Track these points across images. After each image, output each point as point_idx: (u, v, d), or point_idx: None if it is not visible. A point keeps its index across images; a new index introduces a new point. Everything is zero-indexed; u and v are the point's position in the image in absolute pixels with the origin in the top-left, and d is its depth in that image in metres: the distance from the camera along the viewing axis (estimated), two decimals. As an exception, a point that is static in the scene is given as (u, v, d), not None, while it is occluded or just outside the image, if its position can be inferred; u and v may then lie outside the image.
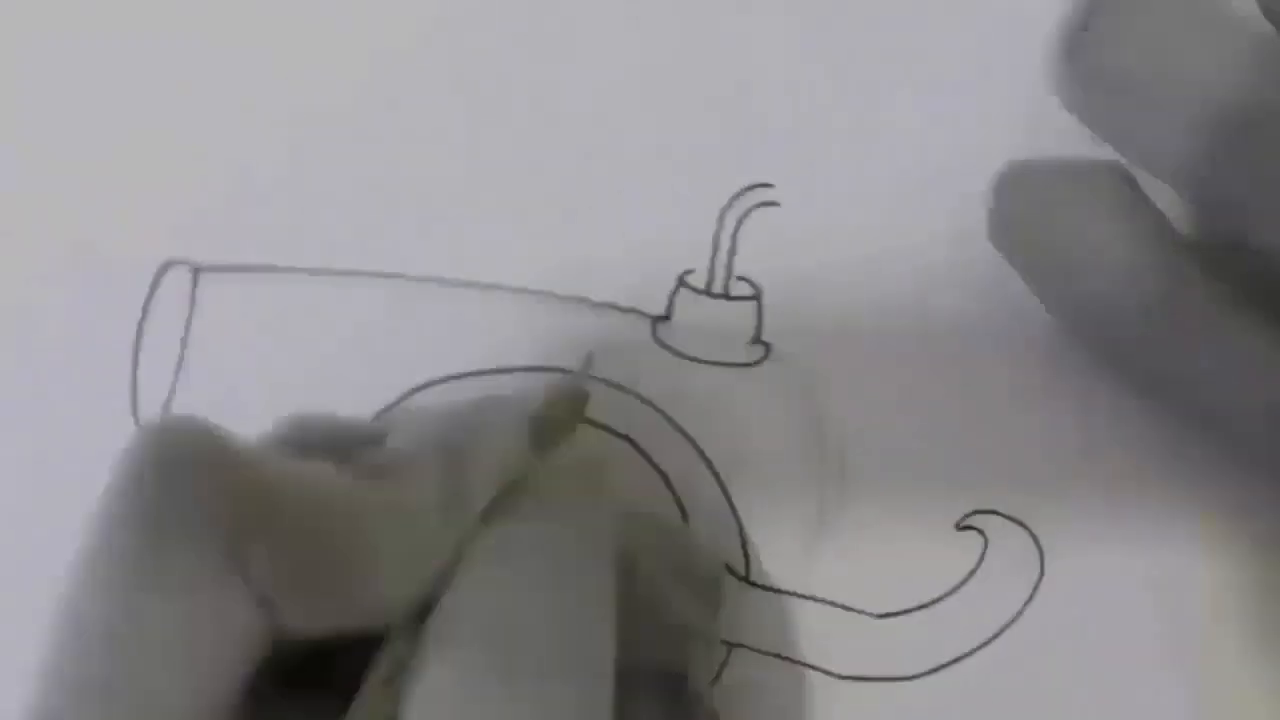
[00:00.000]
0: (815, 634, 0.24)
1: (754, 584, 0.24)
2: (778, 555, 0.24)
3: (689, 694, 0.20)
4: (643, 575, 0.20)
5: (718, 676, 0.23)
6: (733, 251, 0.25)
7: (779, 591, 0.24)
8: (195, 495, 0.16)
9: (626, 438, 0.24)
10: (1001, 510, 0.24)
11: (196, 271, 0.25)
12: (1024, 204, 0.22)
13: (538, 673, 0.17)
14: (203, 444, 0.16)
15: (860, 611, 0.24)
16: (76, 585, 0.16)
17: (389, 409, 0.24)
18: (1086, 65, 0.22)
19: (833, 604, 0.24)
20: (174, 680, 0.15)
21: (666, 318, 0.24)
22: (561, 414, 0.21)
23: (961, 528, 0.24)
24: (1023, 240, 0.23)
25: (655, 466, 0.24)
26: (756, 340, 0.24)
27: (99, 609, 0.16)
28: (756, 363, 0.24)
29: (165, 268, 0.25)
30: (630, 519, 0.20)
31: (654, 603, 0.19)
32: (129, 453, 0.16)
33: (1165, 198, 0.22)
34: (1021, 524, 0.24)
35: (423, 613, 0.18)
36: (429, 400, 0.24)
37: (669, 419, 0.24)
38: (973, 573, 0.24)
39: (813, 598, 0.24)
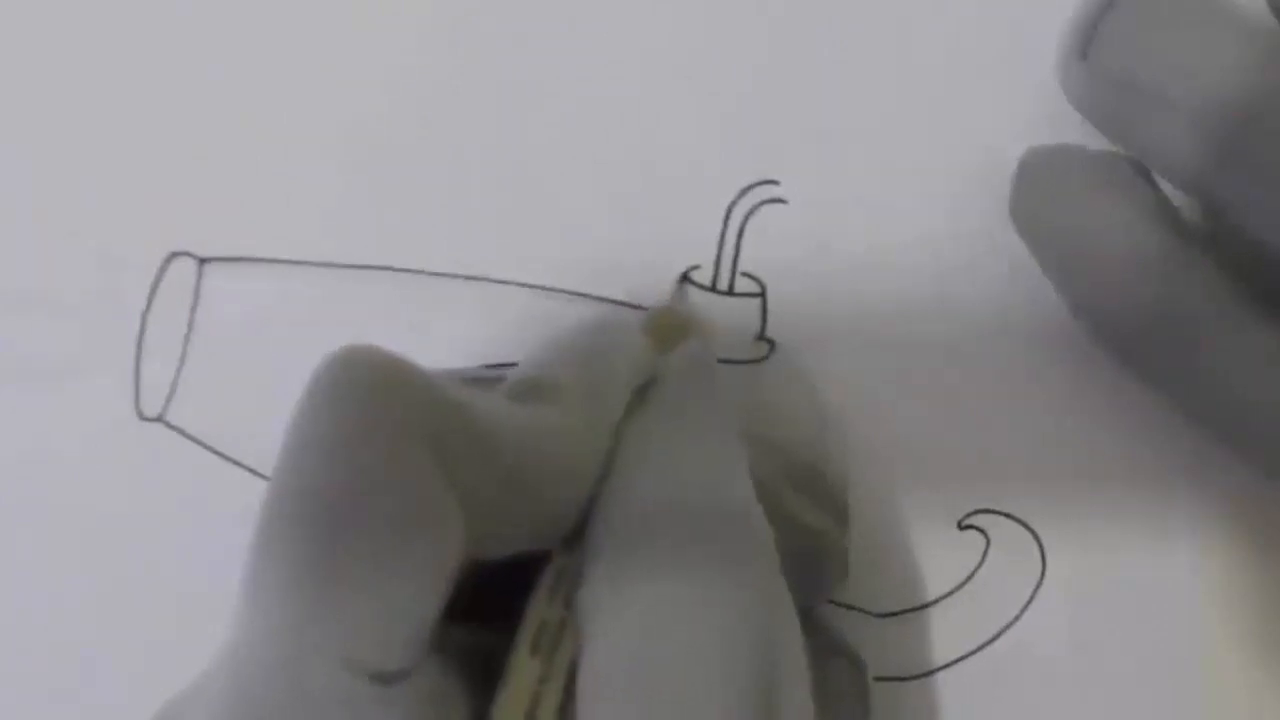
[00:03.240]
0: (816, 632, 0.24)
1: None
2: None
3: (817, 624, 0.20)
4: (771, 490, 0.19)
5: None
6: (738, 248, 0.25)
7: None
8: (395, 416, 0.15)
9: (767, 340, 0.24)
10: (1004, 510, 0.24)
11: (201, 263, 0.25)
12: (1042, 189, 0.23)
13: (700, 541, 0.17)
14: (393, 367, 0.16)
15: (861, 611, 0.24)
16: (279, 516, 0.15)
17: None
18: (1095, 64, 0.22)
19: (834, 603, 0.24)
20: (391, 604, 0.15)
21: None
22: (672, 321, 0.22)
23: (964, 527, 0.24)
24: (1040, 224, 0.23)
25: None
26: (761, 337, 0.24)
27: (308, 539, 0.15)
28: (761, 359, 0.24)
29: (170, 259, 0.25)
30: (752, 439, 0.20)
31: (785, 518, 0.19)
32: (321, 380, 0.16)
33: (1169, 196, 0.22)
34: (1024, 524, 0.24)
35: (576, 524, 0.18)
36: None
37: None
38: (974, 573, 0.24)
39: (814, 596, 0.24)
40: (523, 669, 0.16)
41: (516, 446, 0.17)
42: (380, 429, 0.15)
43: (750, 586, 0.17)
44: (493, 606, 0.17)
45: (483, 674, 0.16)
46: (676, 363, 0.21)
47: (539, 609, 0.17)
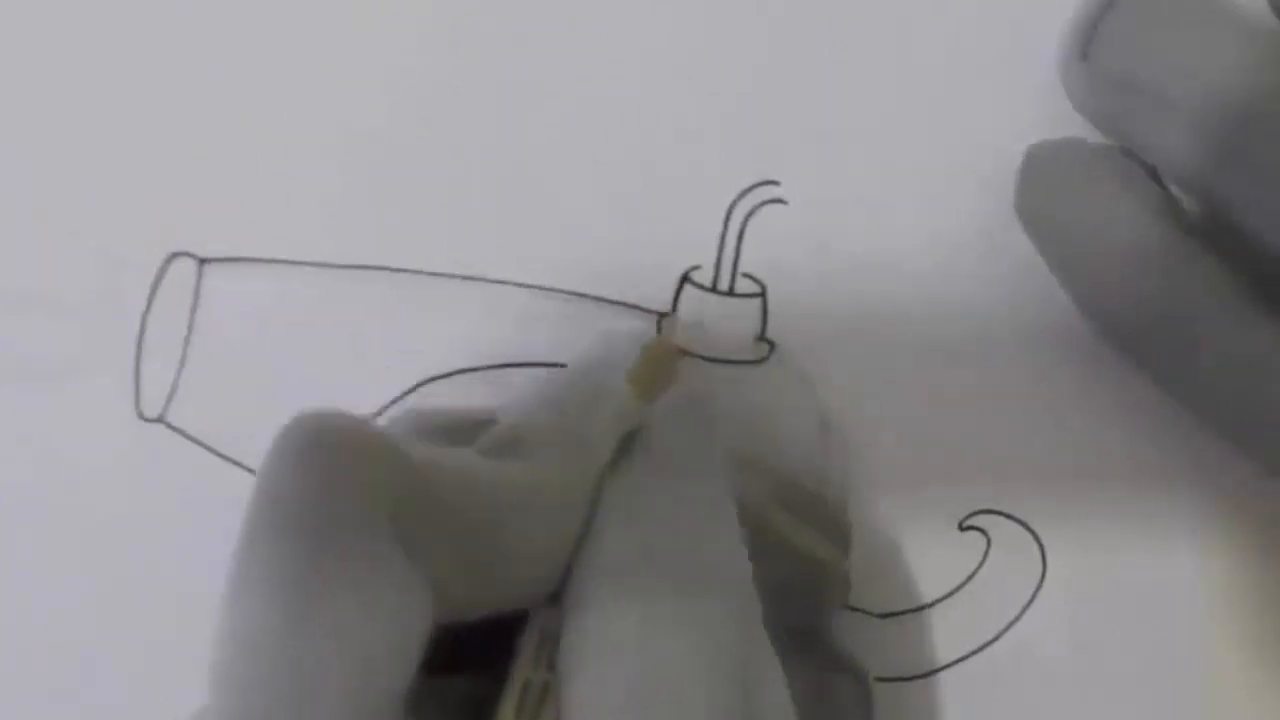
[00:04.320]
0: (816, 632, 0.24)
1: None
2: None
3: (821, 641, 0.20)
4: (766, 518, 0.19)
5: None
6: (738, 248, 0.25)
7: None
8: (357, 483, 0.15)
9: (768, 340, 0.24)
10: (1004, 510, 0.24)
11: (201, 263, 0.25)
12: (1047, 183, 0.23)
13: (683, 597, 0.17)
14: (354, 433, 0.16)
15: (861, 611, 0.24)
16: (241, 585, 0.15)
17: (394, 404, 0.24)
18: (1095, 64, 0.22)
19: (835, 603, 0.24)
20: (361, 676, 0.15)
21: (672, 314, 0.24)
22: (659, 364, 0.22)
23: (964, 528, 0.24)
24: (1044, 217, 0.23)
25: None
26: (761, 338, 0.24)
27: (268, 613, 0.15)
28: (761, 360, 0.24)
29: (170, 259, 0.25)
30: (746, 465, 0.20)
31: (780, 545, 0.19)
32: (280, 448, 0.16)
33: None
34: (1024, 524, 0.24)
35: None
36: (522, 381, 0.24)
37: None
38: (974, 573, 0.24)
39: (814, 596, 0.24)
40: None
41: (490, 509, 0.17)
42: (341, 496, 0.15)
43: (726, 641, 0.17)
44: (477, 648, 0.17)
45: None
46: (662, 411, 0.20)
47: (523, 671, 0.17)
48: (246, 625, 0.15)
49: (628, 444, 0.20)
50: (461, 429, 0.19)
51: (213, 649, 0.15)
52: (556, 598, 0.18)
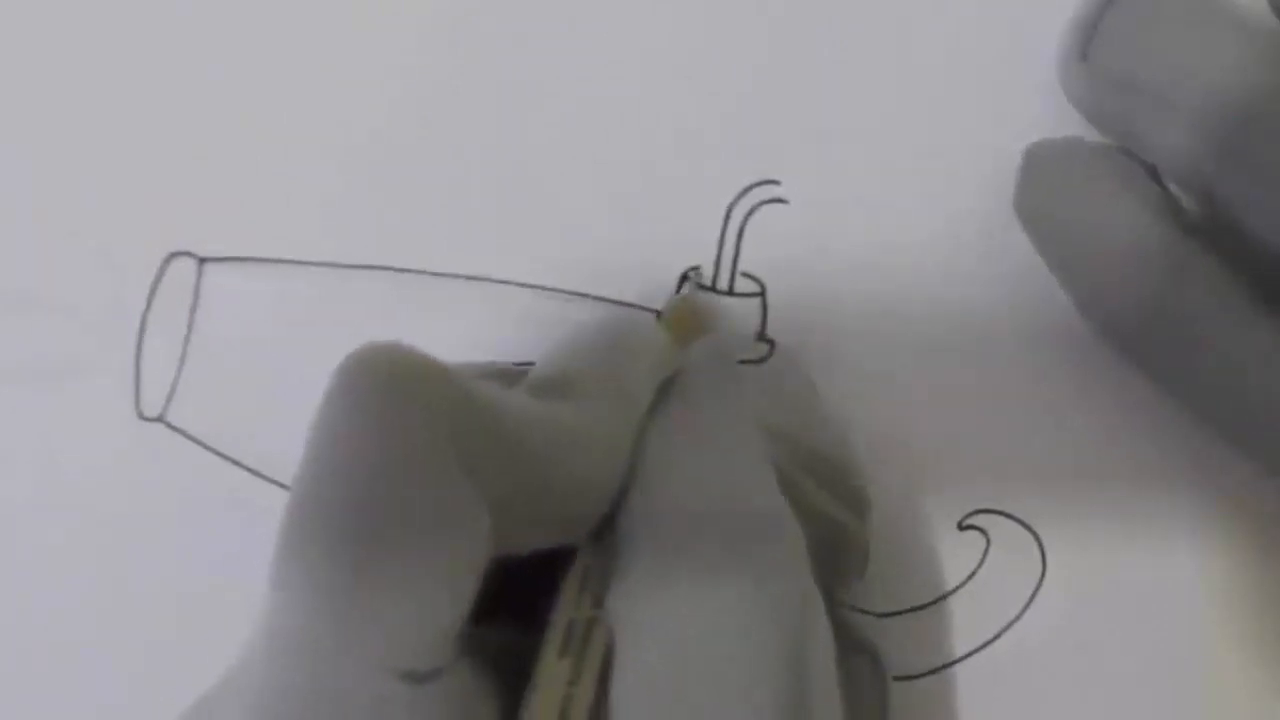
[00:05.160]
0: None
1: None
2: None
3: (839, 621, 0.20)
4: (790, 482, 0.19)
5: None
6: (738, 248, 0.25)
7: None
8: (422, 409, 0.15)
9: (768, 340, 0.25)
10: (1004, 510, 0.24)
11: (201, 263, 0.25)
12: (1047, 181, 0.23)
13: (732, 545, 0.17)
14: (416, 364, 0.16)
15: (862, 611, 0.24)
16: (309, 512, 0.15)
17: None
18: (1095, 63, 0.22)
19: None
20: (421, 604, 0.15)
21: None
22: (688, 315, 0.23)
23: (964, 527, 0.24)
24: (1044, 216, 0.23)
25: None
26: (761, 337, 0.24)
27: (337, 539, 0.15)
28: (761, 359, 0.24)
29: (170, 259, 0.25)
30: (768, 429, 0.20)
31: (802, 507, 0.19)
32: (344, 379, 0.15)
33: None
34: (1024, 524, 0.24)
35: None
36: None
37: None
38: (974, 573, 0.24)
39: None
40: (552, 671, 0.16)
41: (542, 443, 0.17)
42: (405, 428, 0.15)
43: (784, 590, 0.17)
44: (515, 602, 0.17)
45: (509, 672, 0.16)
46: (697, 357, 0.21)
47: (567, 609, 0.17)
48: (312, 552, 0.15)
49: (665, 389, 0.20)
50: (505, 377, 0.19)
51: (272, 589, 0.15)
52: (598, 536, 0.18)
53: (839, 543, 0.21)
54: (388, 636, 0.15)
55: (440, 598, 0.15)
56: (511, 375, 0.19)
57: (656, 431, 0.19)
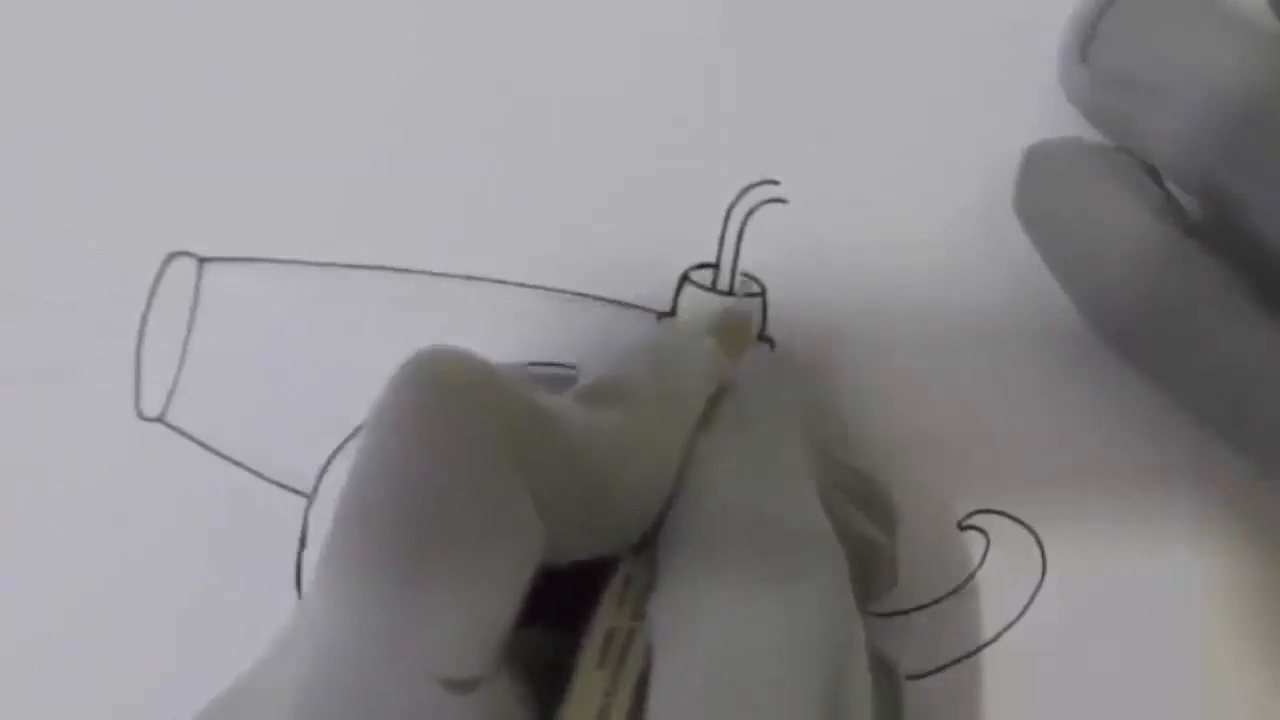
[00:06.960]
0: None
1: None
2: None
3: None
4: (829, 499, 0.19)
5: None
6: (738, 248, 0.25)
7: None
8: (482, 416, 0.15)
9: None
10: (1004, 510, 0.24)
11: (201, 263, 0.25)
12: (1046, 181, 0.23)
13: (776, 565, 0.17)
14: (474, 371, 0.16)
15: (862, 611, 0.24)
16: (358, 520, 0.15)
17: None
18: (1095, 64, 0.22)
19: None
20: (471, 612, 0.15)
21: (671, 314, 0.24)
22: (739, 328, 0.23)
23: (964, 527, 0.24)
24: (1043, 216, 0.23)
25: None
26: (761, 337, 0.24)
27: (389, 546, 0.15)
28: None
29: (170, 259, 0.25)
30: (814, 446, 0.20)
31: (838, 525, 0.19)
32: (402, 384, 0.15)
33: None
34: (1024, 524, 0.24)
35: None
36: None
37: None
38: (974, 573, 0.24)
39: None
40: (589, 680, 0.16)
41: (599, 452, 0.17)
42: (462, 439, 0.15)
43: (826, 613, 0.17)
44: (547, 604, 0.17)
45: (540, 677, 0.16)
46: (748, 371, 0.21)
47: (607, 618, 0.17)
48: (363, 558, 0.15)
49: (716, 401, 0.20)
50: (550, 382, 0.19)
51: (318, 590, 0.15)
52: (640, 547, 0.18)
53: (872, 562, 0.21)
54: (434, 644, 0.15)
55: (488, 608, 0.15)
56: (558, 382, 0.19)
57: (706, 445, 0.19)
